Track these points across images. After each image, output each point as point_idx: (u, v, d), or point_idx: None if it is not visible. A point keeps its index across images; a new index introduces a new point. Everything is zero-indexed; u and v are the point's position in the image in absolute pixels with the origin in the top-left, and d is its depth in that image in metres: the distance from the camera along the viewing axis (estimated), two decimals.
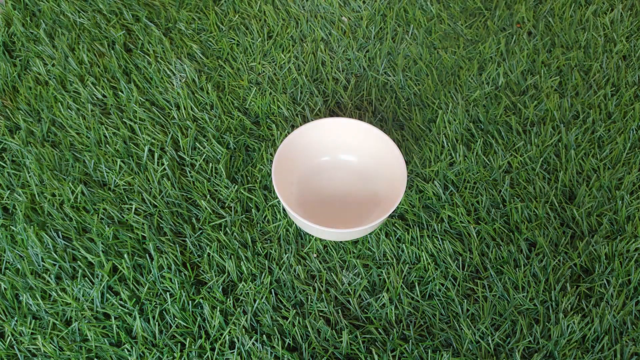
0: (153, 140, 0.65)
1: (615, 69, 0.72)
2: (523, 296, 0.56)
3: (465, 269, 0.58)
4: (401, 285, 0.56)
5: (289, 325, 0.54)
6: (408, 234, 0.59)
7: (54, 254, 0.58)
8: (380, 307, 0.56)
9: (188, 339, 0.53)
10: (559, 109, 0.68)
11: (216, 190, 0.62)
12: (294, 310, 0.55)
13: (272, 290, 0.56)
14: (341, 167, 0.63)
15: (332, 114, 0.68)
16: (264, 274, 0.57)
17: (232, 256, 0.58)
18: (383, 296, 0.56)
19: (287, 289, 0.57)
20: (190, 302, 0.55)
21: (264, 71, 0.71)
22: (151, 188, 0.62)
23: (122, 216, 0.60)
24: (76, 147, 0.65)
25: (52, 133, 0.66)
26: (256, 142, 0.65)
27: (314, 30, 0.74)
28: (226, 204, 0.61)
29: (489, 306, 0.55)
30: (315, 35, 0.74)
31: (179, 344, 0.53)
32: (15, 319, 0.54)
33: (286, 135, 0.61)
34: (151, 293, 0.56)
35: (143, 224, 0.59)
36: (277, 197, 0.61)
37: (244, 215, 0.60)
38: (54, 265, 0.57)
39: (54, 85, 0.69)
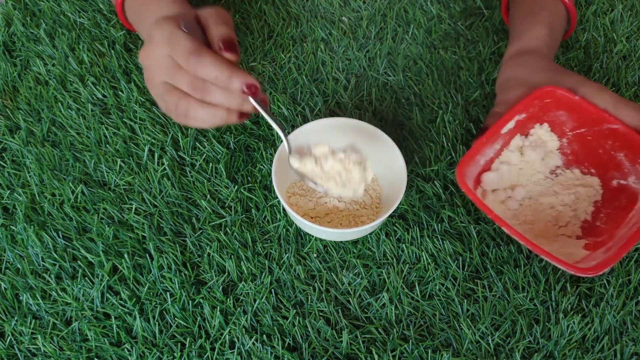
0: (153, 140, 0.65)
1: (615, 69, 0.72)
2: (523, 296, 0.56)
3: (465, 269, 0.58)
4: (401, 285, 0.56)
5: (289, 325, 0.54)
6: (408, 234, 0.59)
7: (54, 254, 0.58)
8: (380, 307, 0.56)
9: (188, 339, 0.53)
10: None
11: (216, 190, 0.62)
12: (294, 310, 0.55)
13: (272, 290, 0.56)
14: None
15: (332, 114, 0.68)
16: (264, 274, 0.57)
17: (232, 256, 0.58)
18: (383, 296, 0.56)
19: (287, 289, 0.57)
20: (190, 302, 0.55)
21: (264, 71, 0.71)
22: (151, 188, 0.62)
23: (122, 216, 0.60)
24: (76, 147, 0.65)
25: (52, 133, 0.66)
26: (256, 142, 0.65)
27: (314, 30, 0.74)
28: (226, 204, 0.61)
29: (489, 306, 0.55)
30: (315, 35, 0.74)
31: (179, 344, 0.53)
32: (15, 318, 0.55)
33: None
34: (151, 293, 0.56)
35: (143, 223, 0.59)
36: (277, 197, 0.61)
37: (244, 215, 0.60)
38: (54, 265, 0.57)
39: (54, 85, 0.69)
